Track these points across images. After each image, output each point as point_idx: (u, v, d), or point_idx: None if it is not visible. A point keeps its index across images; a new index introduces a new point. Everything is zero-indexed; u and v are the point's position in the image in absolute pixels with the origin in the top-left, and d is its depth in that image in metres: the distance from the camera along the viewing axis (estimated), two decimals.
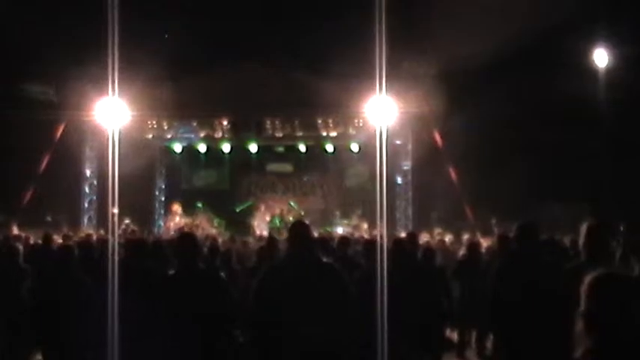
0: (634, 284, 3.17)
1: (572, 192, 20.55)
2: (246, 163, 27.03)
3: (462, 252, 12.34)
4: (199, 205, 25.80)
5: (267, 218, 24.75)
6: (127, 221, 20.62)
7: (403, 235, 13.24)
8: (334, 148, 25.97)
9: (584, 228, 5.48)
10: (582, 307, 3.16)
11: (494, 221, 19.02)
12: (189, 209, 25.80)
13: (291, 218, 23.87)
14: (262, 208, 25.19)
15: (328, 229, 23.55)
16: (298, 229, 5.94)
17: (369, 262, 6.85)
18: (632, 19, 19.55)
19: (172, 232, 20.96)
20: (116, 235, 7.32)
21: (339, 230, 23.00)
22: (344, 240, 9.73)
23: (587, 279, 3.18)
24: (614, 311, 3.07)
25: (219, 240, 14.78)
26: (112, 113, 15.45)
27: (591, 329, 3.08)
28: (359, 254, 10.52)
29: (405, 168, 25.36)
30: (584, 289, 3.17)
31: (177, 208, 25.47)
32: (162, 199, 27.91)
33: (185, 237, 6.55)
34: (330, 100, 21.27)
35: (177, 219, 24.86)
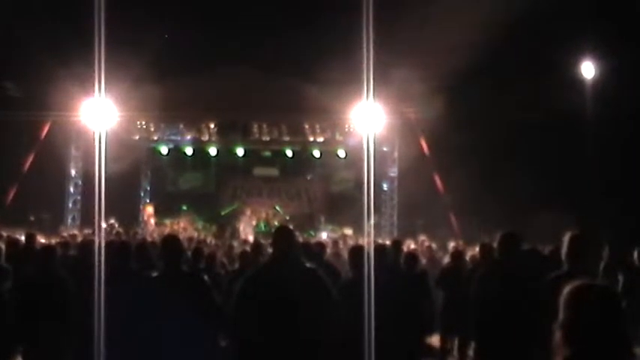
0: (611, 295, 3.18)
1: (558, 201, 20.49)
2: (233, 167, 27.06)
3: (446, 260, 12.37)
4: (184, 207, 25.87)
5: (254, 222, 24.72)
6: (111, 221, 20.46)
7: (388, 242, 13.31)
8: (321, 154, 26.14)
9: (566, 238, 5.48)
10: (560, 317, 3.17)
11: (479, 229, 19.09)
12: (173, 212, 25.83)
13: (276, 223, 23.89)
14: (248, 212, 25.11)
15: (312, 233, 23.60)
16: (282, 233, 5.97)
17: (355, 268, 6.87)
18: (619, 30, 19.70)
19: (151, 236, 20.67)
20: (102, 235, 7.24)
21: (324, 235, 22.83)
22: (321, 245, 9.72)
23: (566, 289, 3.20)
24: (591, 322, 3.08)
25: (204, 242, 14.81)
26: (98, 113, 15.38)
27: (568, 339, 3.09)
28: (337, 259, 10.65)
29: (392, 174, 25.43)
30: (562, 299, 3.19)
31: (149, 210, 25.58)
32: (147, 200, 27.83)
33: (169, 239, 6.52)
34: (318, 105, 21.35)
35: (151, 221, 24.98)
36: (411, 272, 8.72)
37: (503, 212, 18.23)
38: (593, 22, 19.70)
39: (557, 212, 18.79)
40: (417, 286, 7.93)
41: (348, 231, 23.39)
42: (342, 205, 24.60)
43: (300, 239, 16.15)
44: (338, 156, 25.85)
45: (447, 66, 17.63)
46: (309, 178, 27.52)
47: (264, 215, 25.52)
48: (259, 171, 27.82)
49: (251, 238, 19.40)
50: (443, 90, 20.16)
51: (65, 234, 16.62)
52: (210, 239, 19.84)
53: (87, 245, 7.78)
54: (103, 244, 7.01)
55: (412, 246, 14.90)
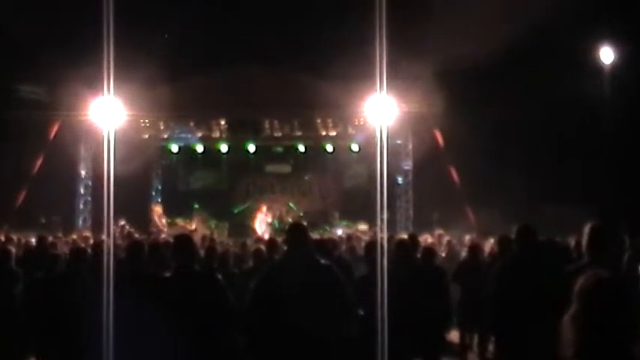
0: (621, 286, 3.18)
1: (576, 193, 20.39)
2: (244, 164, 26.92)
3: (463, 254, 12.33)
4: (195, 206, 25.75)
5: (269, 220, 24.59)
6: (122, 222, 20.45)
7: (404, 236, 13.34)
8: (334, 148, 25.95)
9: (586, 229, 5.47)
10: (573, 308, 3.18)
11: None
12: (185, 211, 25.76)
13: (290, 220, 23.71)
14: (264, 209, 24.87)
15: (328, 229, 23.55)
16: (296, 230, 6.01)
17: (370, 264, 6.89)
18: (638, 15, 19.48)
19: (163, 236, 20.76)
20: (111, 236, 7.25)
21: (339, 232, 22.72)
22: (333, 242, 9.83)
23: (579, 281, 3.21)
24: (601, 314, 3.09)
25: (216, 241, 14.72)
26: (107, 113, 15.37)
27: (579, 332, 3.11)
28: (351, 254, 10.68)
29: (406, 168, 25.29)
30: (575, 290, 3.20)
31: (158, 210, 25.49)
32: (159, 200, 27.80)
33: (181, 239, 6.57)
34: (330, 99, 21.24)
35: (163, 221, 24.86)
36: (428, 267, 8.70)
37: (521, 204, 18.13)
38: (612, 8, 19.63)
39: (577, 203, 18.75)
40: (434, 281, 7.92)
41: (363, 226, 23.29)
42: (356, 200, 24.50)
43: (315, 236, 16.24)
44: (351, 150, 25.72)
45: (461, 56, 17.43)
46: (322, 173, 27.40)
47: (277, 213, 25.40)
48: (271, 168, 27.69)
49: (267, 236, 19.27)
50: (457, 81, 19.98)
51: (75, 236, 16.51)
52: (223, 238, 19.79)
53: (100, 247, 7.79)
54: (112, 246, 7.00)
55: (429, 240, 14.81)
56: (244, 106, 22.75)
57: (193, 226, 24.10)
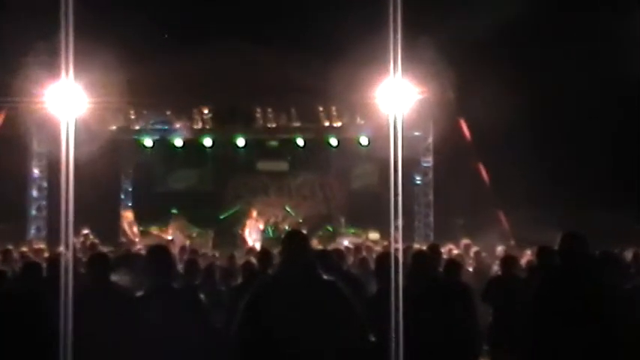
0: None
1: (633, 194, 20.33)
2: (232, 161, 26.81)
3: (495, 268, 12.27)
4: (174, 211, 25.57)
5: (261, 227, 24.51)
6: (84, 232, 20.10)
7: (423, 246, 13.21)
8: (339, 142, 25.72)
9: None
10: None
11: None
12: (162, 217, 25.60)
13: (286, 227, 23.77)
14: (254, 214, 24.67)
15: (332, 235, 23.95)
16: (293, 239, 6.02)
17: (382, 279, 6.94)
18: None
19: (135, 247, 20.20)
20: (71, 249, 7.14)
21: (346, 242, 22.32)
22: (339, 253, 9.80)
23: None
24: None
25: (199, 253, 14.80)
26: (65, 99, 15.19)
27: None
28: (361, 268, 10.63)
29: (425, 165, 25.14)
30: None
31: (129, 216, 25.30)
32: (129, 204, 27.51)
33: (156, 251, 6.58)
34: (334, 84, 20.96)
35: (134, 230, 24.64)
36: (452, 284, 8.61)
37: (566, 208, 18.01)
38: None
39: (634, 207, 18.51)
40: (460, 300, 7.81)
41: (374, 235, 23.40)
42: (366, 203, 24.37)
43: (317, 246, 16.84)
44: (360, 144, 25.36)
45: (491, 31, 17.61)
46: (325, 172, 27.24)
47: (272, 219, 25.51)
48: (265, 165, 27.53)
49: (258, 246, 19.21)
50: (487, 61, 19.84)
51: (26, 248, 16.26)
52: (206, 249, 19.66)
53: (57, 261, 7.69)
54: (72, 261, 6.96)
55: (454, 251, 14.78)
56: (233, 93, 22.58)
57: (170, 236, 23.99)
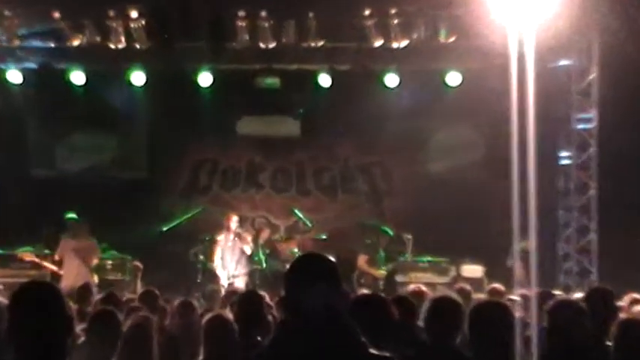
0: None
1: None
2: (188, 116, 18.80)
3: None
4: (70, 215, 16.94)
5: (247, 247, 17.14)
6: None
7: (578, 294, 10.23)
8: (401, 81, 17.66)
9: None
10: None
11: None
12: (42, 226, 18.09)
13: (294, 249, 17.34)
14: (232, 222, 16.98)
15: (383, 270, 16.68)
16: (310, 275, 4.31)
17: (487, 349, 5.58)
18: None
19: None
20: None
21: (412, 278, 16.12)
22: (415, 294, 8.45)
23: None
24: None
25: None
26: None
27: None
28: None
29: (581, 128, 16.98)
30: None
31: None
32: None
33: (27, 297, 4.44)
34: None
35: None
36: None
37: None
38: None
39: None
40: None
41: (472, 269, 16.48)
42: (456, 208, 17.59)
43: (361, 289, 14.43)
44: (445, 85, 17.43)
45: None
46: (372, 140, 19.16)
47: (267, 231, 18.50)
48: (253, 125, 19.40)
49: (240, 284, 15.58)
50: None
51: None
52: (133, 289, 15.08)
53: None
54: None
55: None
56: None
57: (60, 267, 16.50)
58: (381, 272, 16.50)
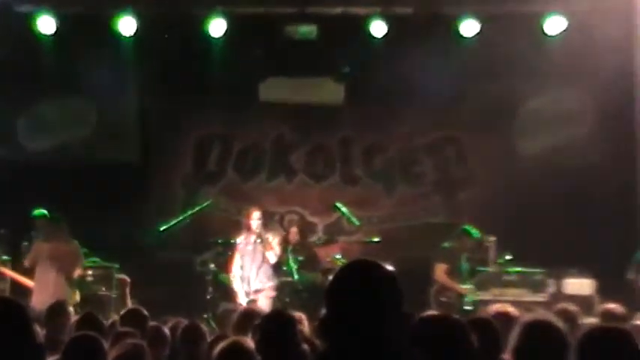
0: None
1: None
2: (196, 78, 16.88)
3: None
4: (39, 213, 14.73)
5: (273, 254, 14.82)
6: None
7: None
8: (481, 29, 15.78)
9: None
10: None
11: None
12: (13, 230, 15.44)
13: (338, 256, 15.46)
14: (252, 220, 14.62)
15: (469, 284, 14.58)
16: (361, 287, 3.89)
17: None
18: None
19: None
20: None
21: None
22: (500, 317, 6.95)
23: None
24: None
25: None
26: None
27: None
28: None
29: None
30: None
31: None
32: None
33: None
34: None
35: None
36: None
37: None
38: None
39: None
40: None
41: (580, 283, 14.52)
42: (555, 200, 15.62)
43: (432, 309, 12.40)
44: (543, 32, 15.36)
45: None
46: (443, 112, 17.00)
47: (297, 233, 16.14)
48: (282, 89, 17.11)
49: (264, 303, 13.64)
50: None
51: None
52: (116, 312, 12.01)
53: None
54: None
55: None
56: None
57: (18, 276, 14.31)
58: (467, 287, 14.07)
